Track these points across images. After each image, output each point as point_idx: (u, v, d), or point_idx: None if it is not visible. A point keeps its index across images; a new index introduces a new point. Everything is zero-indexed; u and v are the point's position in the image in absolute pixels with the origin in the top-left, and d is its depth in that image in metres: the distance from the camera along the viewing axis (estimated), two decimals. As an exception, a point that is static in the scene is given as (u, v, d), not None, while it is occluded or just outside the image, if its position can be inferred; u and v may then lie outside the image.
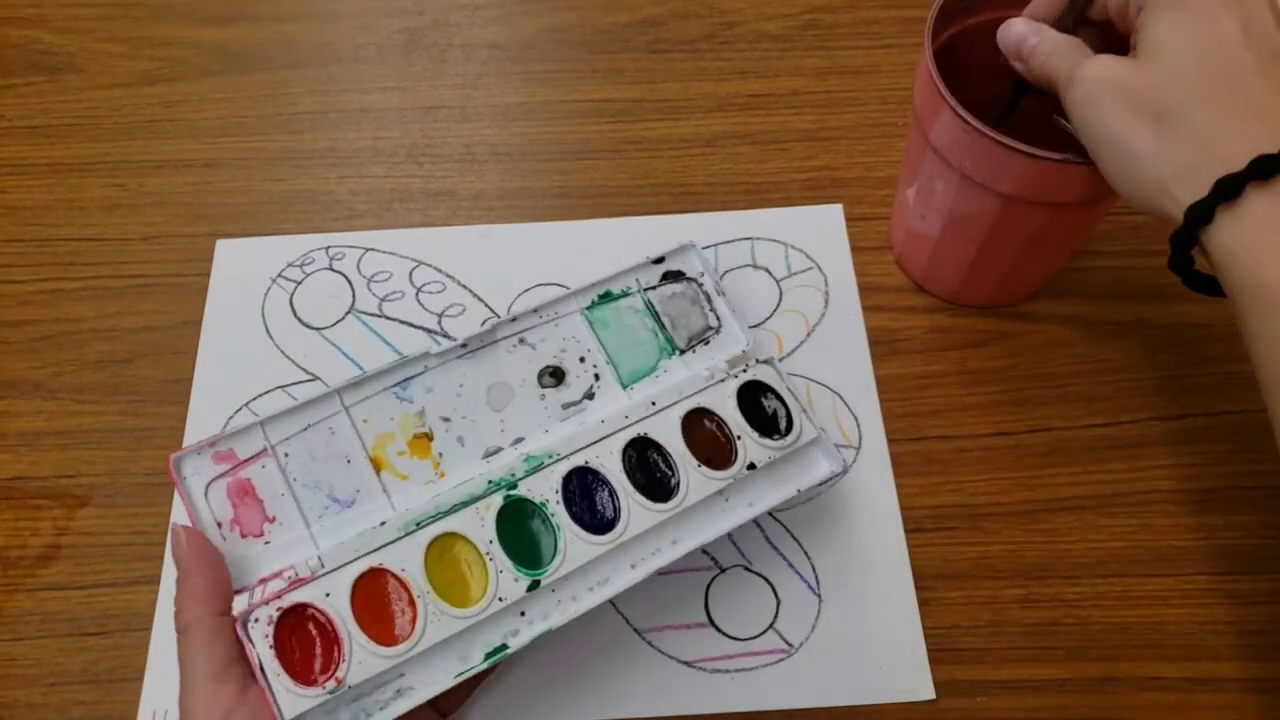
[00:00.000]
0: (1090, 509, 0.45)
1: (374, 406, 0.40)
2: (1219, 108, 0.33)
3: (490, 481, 0.39)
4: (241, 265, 0.52)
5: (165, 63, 0.59)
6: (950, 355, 0.49)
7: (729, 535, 0.44)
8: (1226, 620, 0.42)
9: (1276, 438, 0.34)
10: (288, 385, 0.48)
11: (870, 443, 0.47)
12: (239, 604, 0.36)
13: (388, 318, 0.50)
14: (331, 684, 0.34)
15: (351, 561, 0.36)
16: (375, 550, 0.37)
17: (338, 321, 0.50)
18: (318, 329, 0.50)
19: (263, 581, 0.37)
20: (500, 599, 0.36)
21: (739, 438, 0.40)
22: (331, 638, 0.35)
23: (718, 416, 0.41)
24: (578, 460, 0.39)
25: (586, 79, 0.58)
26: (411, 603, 0.36)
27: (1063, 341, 0.49)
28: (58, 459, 0.47)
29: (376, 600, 0.36)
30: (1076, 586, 0.43)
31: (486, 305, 0.50)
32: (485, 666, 0.36)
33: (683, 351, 0.44)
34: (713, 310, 0.45)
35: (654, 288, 0.45)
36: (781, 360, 0.48)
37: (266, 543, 0.38)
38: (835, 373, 0.48)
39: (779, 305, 0.50)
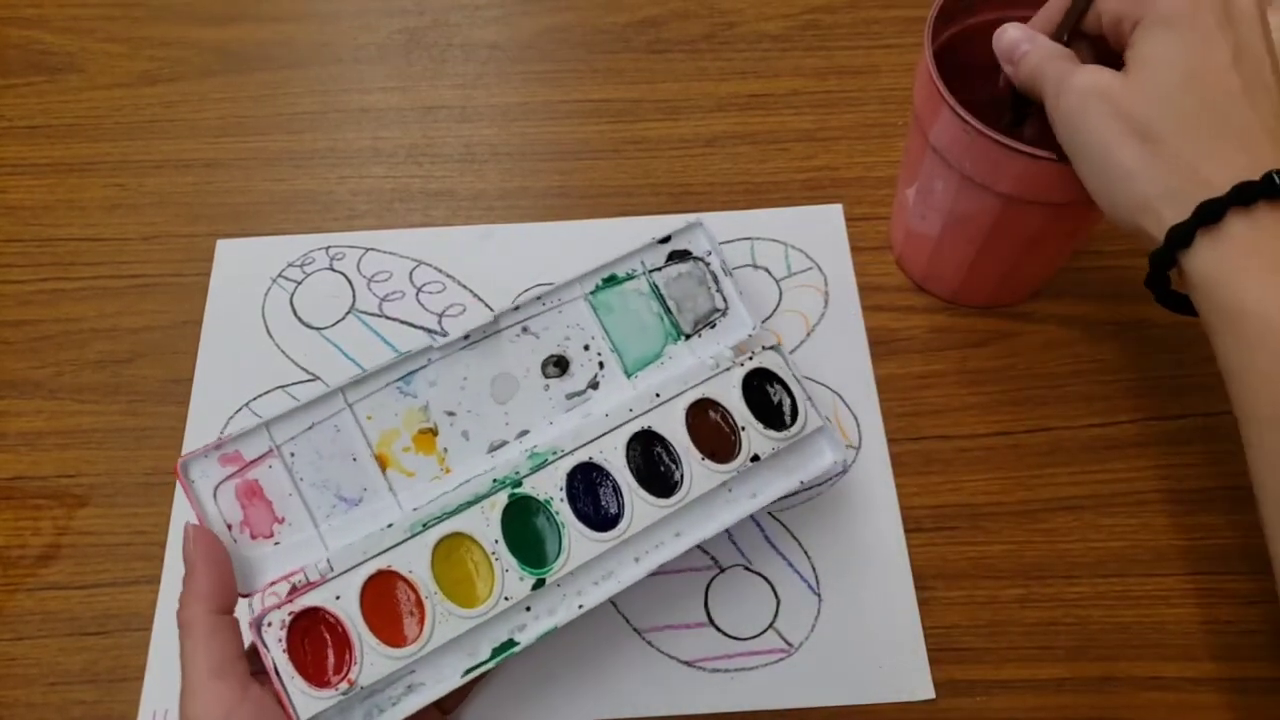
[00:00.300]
0: (1090, 509, 0.45)
1: (378, 403, 0.40)
2: (1204, 131, 0.33)
3: (495, 480, 0.40)
4: (242, 265, 0.52)
5: (165, 63, 0.59)
6: (950, 355, 0.49)
7: (729, 534, 0.44)
8: (1226, 620, 0.42)
9: (1247, 454, 0.34)
10: (288, 385, 0.48)
11: (870, 442, 0.47)
12: (252, 607, 0.36)
13: (388, 318, 0.50)
14: (344, 685, 0.34)
15: (360, 564, 0.37)
16: (383, 552, 0.37)
17: (338, 321, 0.50)
18: (318, 329, 0.50)
19: (273, 584, 0.37)
20: (506, 598, 0.37)
21: (743, 429, 0.40)
22: (343, 639, 0.35)
23: (722, 407, 0.41)
24: (581, 456, 0.39)
25: (586, 79, 0.58)
26: (419, 604, 0.36)
27: (1062, 341, 0.49)
28: (58, 459, 0.47)
29: (385, 602, 0.36)
30: (1076, 586, 0.43)
31: (486, 305, 0.51)
32: (494, 664, 0.36)
33: (688, 336, 0.44)
34: (720, 291, 0.44)
35: (659, 269, 0.44)
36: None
37: (276, 543, 0.38)
38: (835, 373, 0.48)
39: (779, 305, 0.50)
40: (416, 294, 0.51)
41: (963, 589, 0.43)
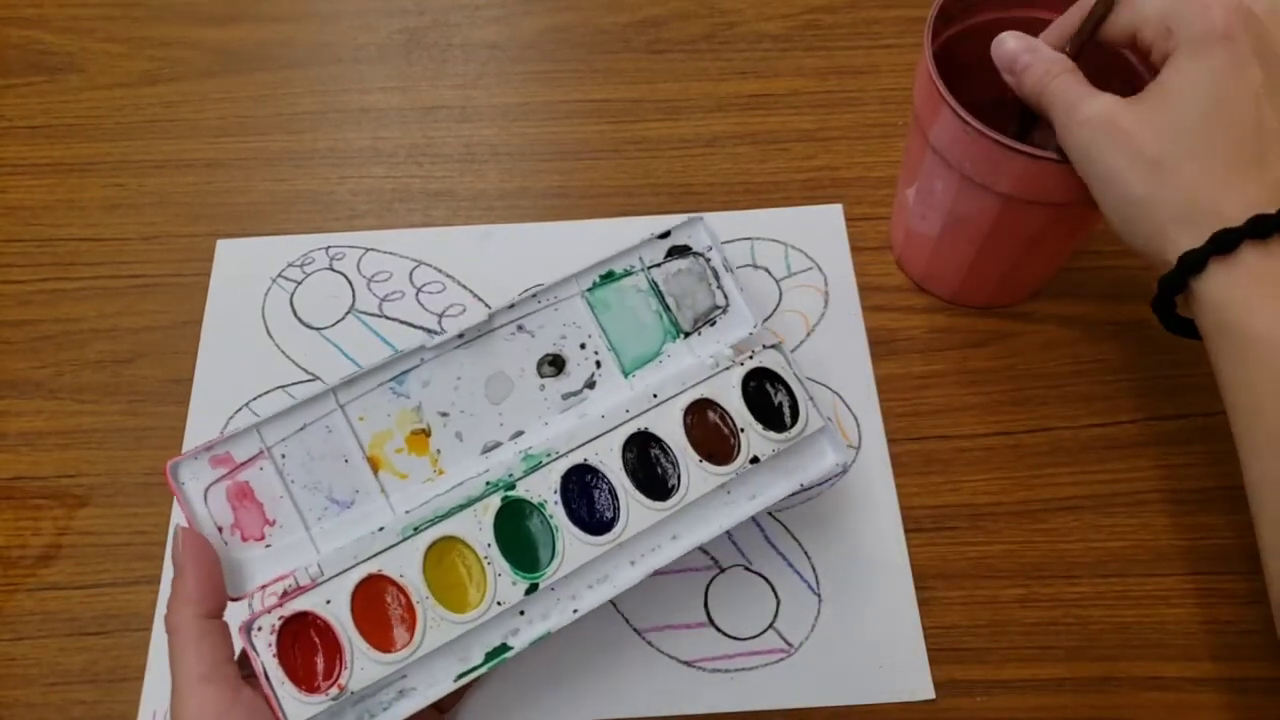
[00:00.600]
0: (1090, 509, 0.45)
1: (370, 403, 0.40)
2: (1220, 160, 0.33)
3: (488, 482, 0.39)
4: (242, 265, 0.52)
5: (165, 63, 0.59)
6: (950, 355, 0.49)
7: (729, 534, 0.44)
8: (1226, 620, 0.42)
9: (1245, 474, 0.35)
10: (288, 385, 0.48)
11: (870, 443, 0.47)
12: (241, 612, 0.36)
13: (388, 318, 0.50)
14: (335, 690, 0.34)
15: (351, 568, 0.36)
16: (374, 556, 0.37)
17: (338, 321, 0.50)
18: (318, 329, 0.50)
19: (263, 588, 0.37)
20: (499, 602, 0.36)
21: (743, 430, 0.40)
22: (333, 644, 0.35)
23: (721, 408, 0.40)
24: (576, 458, 0.39)
25: (586, 79, 0.58)
26: (410, 608, 0.36)
27: (1063, 341, 0.49)
28: (58, 459, 0.47)
29: (376, 606, 0.36)
30: (1076, 586, 0.43)
31: (487, 305, 0.50)
32: (487, 668, 0.36)
33: (687, 334, 0.43)
34: (720, 288, 0.43)
35: (659, 265, 0.43)
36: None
37: (267, 546, 0.38)
38: (835, 373, 0.48)
39: (779, 305, 0.50)
40: (416, 294, 0.51)
41: (963, 589, 0.43)
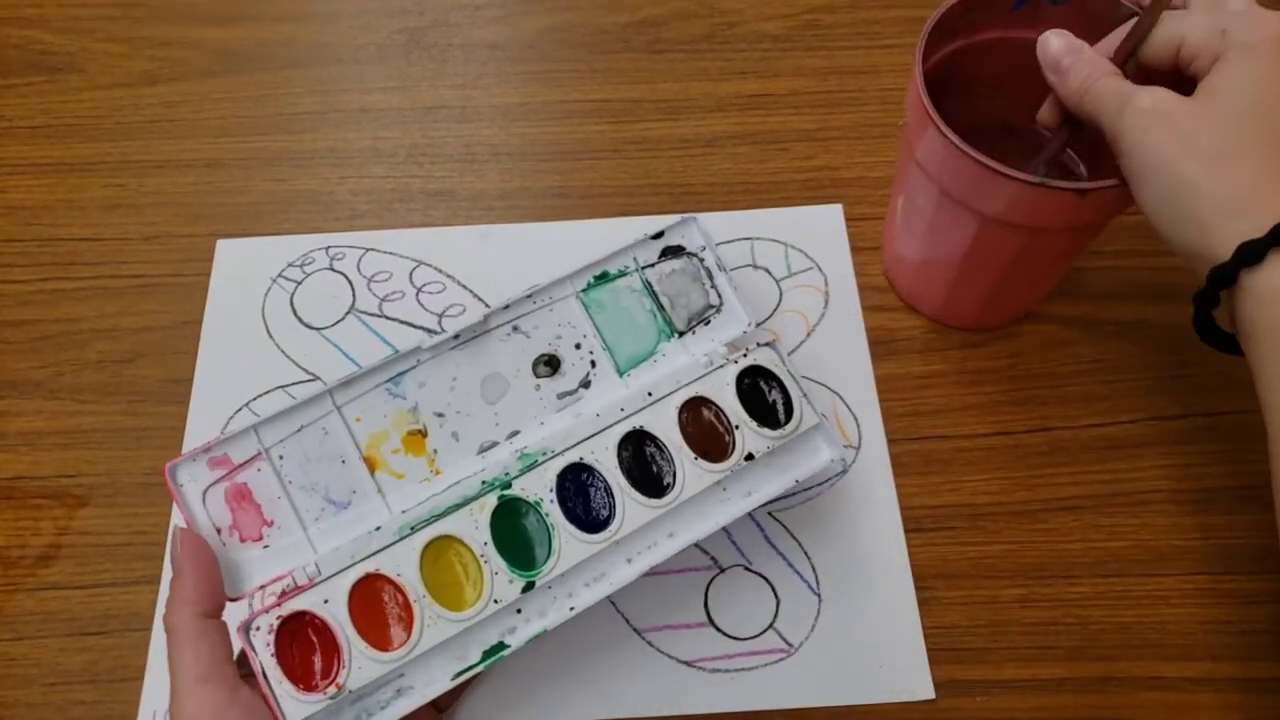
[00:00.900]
0: (1090, 509, 0.45)
1: (366, 404, 0.40)
2: (1268, 152, 0.33)
3: (484, 481, 0.39)
4: (242, 265, 0.52)
5: (165, 63, 0.59)
6: (950, 355, 0.49)
7: (728, 534, 0.44)
8: (1226, 620, 0.42)
9: (1274, 489, 0.34)
10: (288, 385, 0.48)
11: (870, 443, 0.47)
12: (239, 611, 0.36)
13: (388, 318, 0.50)
14: (332, 689, 0.34)
15: (348, 567, 0.36)
16: (371, 555, 0.37)
17: (338, 321, 0.50)
18: (318, 329, 0.50)
19: (262, 588, 0.37)
20: (496, 601, 0.36)
21: (737, 427, 0.40)
22: (331, 643, 0.35)
23: (716, 405, 0.40)
24: (572, 457, 0.39)
25: (586, 79, 0.58)
26: (408, 607, 0.36)
27: (1063, 341, 0.49)
28: (58, 459, 0.47)
29: (373, 606, 0.36)
30: (1076, 586, 0.43)
31: (487, 305, 0.50)
32: (484, 667, 0.36)
33: (682, 334, 0.43)
34: (714, 287, 0.44)
35: (652, 265, 0.43)
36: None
37: (265, 547, 0.38)
38: (835, 373, 0.48)
39: (779, 305, 0.50)
40: (416, 294, 0.51)
41: (963, 589, 0.43)
